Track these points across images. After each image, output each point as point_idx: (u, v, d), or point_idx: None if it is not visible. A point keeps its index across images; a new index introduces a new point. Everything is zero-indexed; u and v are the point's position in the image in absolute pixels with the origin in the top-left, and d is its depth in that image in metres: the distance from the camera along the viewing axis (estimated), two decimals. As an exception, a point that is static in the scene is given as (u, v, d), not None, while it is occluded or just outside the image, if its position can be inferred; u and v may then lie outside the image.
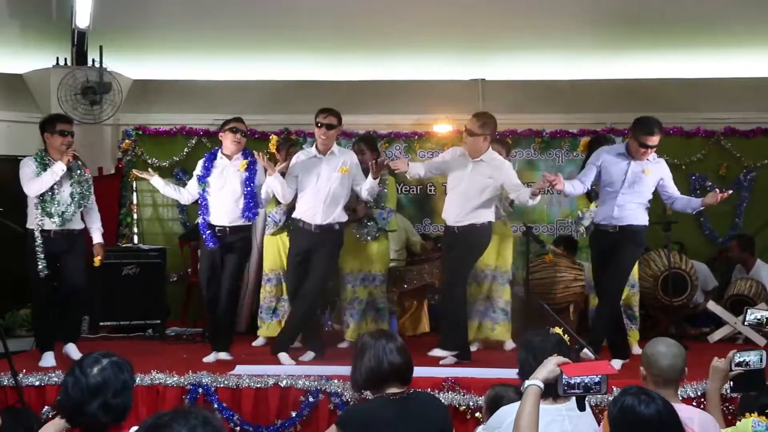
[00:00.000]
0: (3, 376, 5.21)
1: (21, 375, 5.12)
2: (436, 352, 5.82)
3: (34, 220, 5.74)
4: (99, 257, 6.04)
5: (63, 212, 5.76)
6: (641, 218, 5.68)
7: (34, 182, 5.70)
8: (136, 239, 8.18)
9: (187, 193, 6.13)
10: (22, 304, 7.45)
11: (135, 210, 8.26)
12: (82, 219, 6.00)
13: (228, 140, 5.98)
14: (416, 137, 8.30)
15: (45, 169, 5.72)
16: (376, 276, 6.58)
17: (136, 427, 2.74)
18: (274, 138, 7.08)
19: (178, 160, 8.23)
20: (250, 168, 6.00)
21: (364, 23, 8.29)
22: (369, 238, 6.48)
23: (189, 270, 7.88)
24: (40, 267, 5.68)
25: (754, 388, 3.43)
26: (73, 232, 5.86)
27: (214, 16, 8.31)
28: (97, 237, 6.07)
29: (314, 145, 6.04)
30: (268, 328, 6.66)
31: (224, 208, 5.94)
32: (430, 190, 8.26)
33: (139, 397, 4.97)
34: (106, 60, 7.91)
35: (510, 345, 6.34)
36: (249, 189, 5.97)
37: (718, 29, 8.16)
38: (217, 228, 5.93)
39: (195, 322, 7.40)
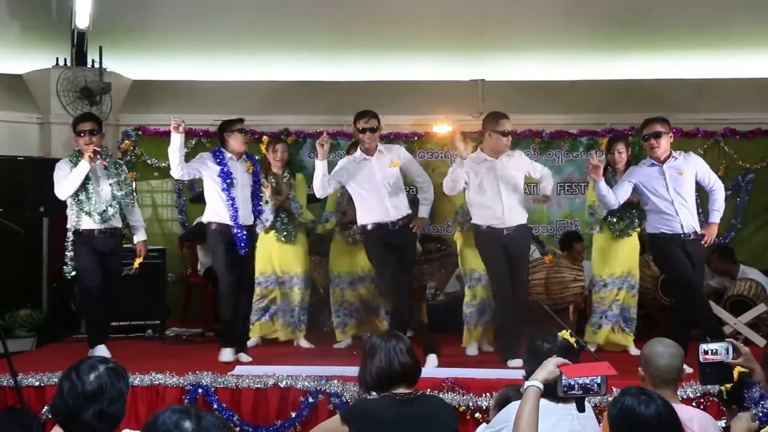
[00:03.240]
0: (2, 377, 5.20)
1: (20, 376, 5.11)
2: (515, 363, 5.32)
3: (72, 220, 5.74)
4: (140, 258, 6.02)
5: (103, 211, 5.75)
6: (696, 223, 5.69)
7: (61, 184, 5.71)
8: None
9: (186, 171, 5.86)
10: (21, 304, 7.46)
11: (134, 210, 8.25)
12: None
13: (237, 141, 5.93)
14: (416, 138, 8.29)
15: None
16: (365, 276, 6.57)
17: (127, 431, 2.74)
18: (266, 139, 7.02)
19: (178, 161, 8.21)
20: (256, 169, 6.05)
21: (365, 23, 8.29)
22: (355, 239, 6.48)
23: (188, 270, 7.89)
24: (66, 268, 5.70)
25: (722, 381, 3.40)
26: (116, 230, 5.89)
27: (214, 17, 8.32)
28: (140, 235, 6.07)
29: (358, 149, 5.97)
30: (261, 328, 6.64)
31: (242, 209, 5.91)
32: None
33: (139, 398, 4.94)
34: (106, 60, 7.92)
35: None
36: (257, 190, 6.05)
37: (717, 30, 8.17)
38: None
39: (195, 323, 7.41)
